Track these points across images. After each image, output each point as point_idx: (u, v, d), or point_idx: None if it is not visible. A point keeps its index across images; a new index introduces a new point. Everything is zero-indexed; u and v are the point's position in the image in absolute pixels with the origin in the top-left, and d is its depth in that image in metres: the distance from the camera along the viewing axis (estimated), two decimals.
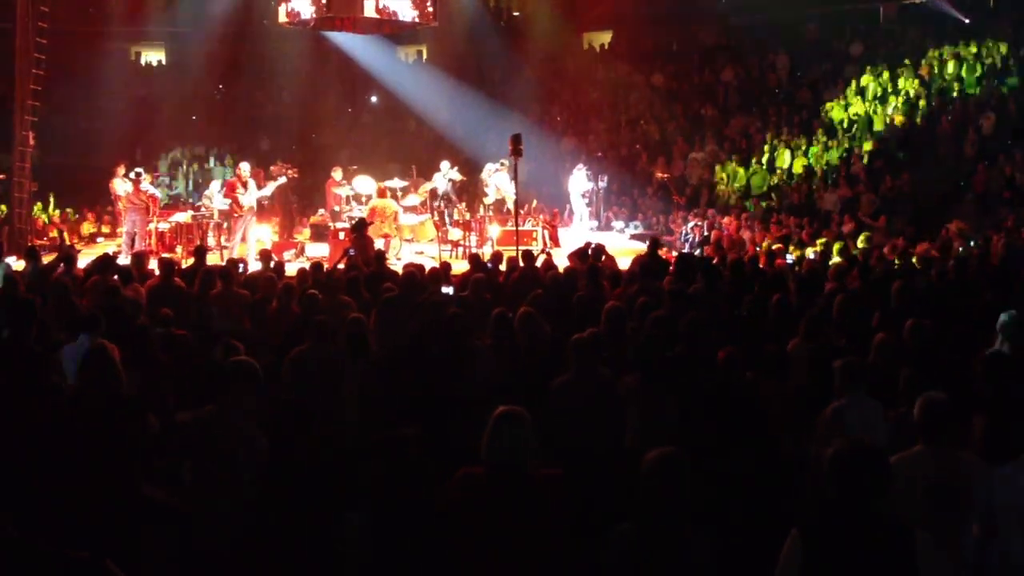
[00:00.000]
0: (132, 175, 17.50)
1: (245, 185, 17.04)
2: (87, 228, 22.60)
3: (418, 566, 4.36)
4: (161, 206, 18.01)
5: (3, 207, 20.44)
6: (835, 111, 23.72)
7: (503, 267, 12.39)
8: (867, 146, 21.76)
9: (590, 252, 12.12)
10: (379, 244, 15.32)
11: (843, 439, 3.92)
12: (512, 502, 4.13)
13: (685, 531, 3.85)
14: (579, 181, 22.03)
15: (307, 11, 18.78)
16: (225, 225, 17.92)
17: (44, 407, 5.78)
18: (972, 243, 14.90)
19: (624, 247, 18.59)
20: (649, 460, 3.92)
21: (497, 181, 19.73)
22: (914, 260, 12.63)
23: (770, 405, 6.29)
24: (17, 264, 13.98)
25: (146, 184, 17.38)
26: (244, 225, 17.00)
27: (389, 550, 4.42)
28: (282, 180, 18.32)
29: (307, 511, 4.83)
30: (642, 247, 17.68)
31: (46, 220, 21.75)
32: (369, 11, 18.24)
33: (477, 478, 4.24)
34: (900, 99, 22.59)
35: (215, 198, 18.27)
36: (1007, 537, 4.77)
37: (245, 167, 17.55)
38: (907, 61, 23.94)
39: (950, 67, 22.81)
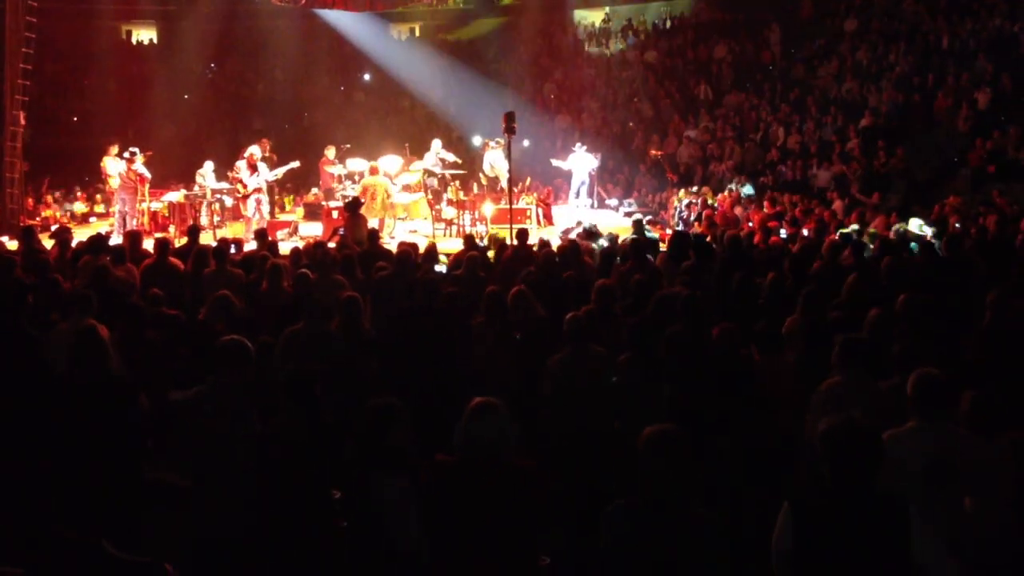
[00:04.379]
0: (127, 154, 17.52)
1: (254, 167, 17.04)
2: (79, 208, 22.52)
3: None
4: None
5: None
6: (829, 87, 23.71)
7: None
8: (861, 122, 21.72)
9: (582, 231, 12.11)
10: (373, 223, 15.29)
11: (835, 416, 3.92)
12: (485, 492, 4.11)
13: (686, 508, 3.85)
14: (584, 159, 21.84)
15: None
16: (217, 206, 17.92)
17: (35, 388, 5.77)
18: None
19: (619, 225, 18.56)
20: (647, 437, 3.90)
21: (491, 159, 19.66)
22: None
23: (767, 381, 6.30)
24: (11, 244, 13.96)
25: (138, 163, 17.36)
26: (256, 203, 17.07)
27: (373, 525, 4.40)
28: (294, 164, 18.32)
29: (302, 486, 4.83)
30: None
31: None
32: None
33: (449, 466, 4.22)
34: (894, 74, 22.54)
35: (208, 177, 18.22)
36: (999, 511, 4.79)
37: (256, 150, 17.59)
38: (902, 36, 23.87)
39: (944, 42, 22.74)
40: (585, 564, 4.09)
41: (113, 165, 17.93)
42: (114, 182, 17.85)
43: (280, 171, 18.07)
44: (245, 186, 16.94)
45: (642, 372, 6.47)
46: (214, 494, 5.17)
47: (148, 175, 17.64)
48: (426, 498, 4.24)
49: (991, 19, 22.41)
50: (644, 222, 13.15)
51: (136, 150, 17.60)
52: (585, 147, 22.12)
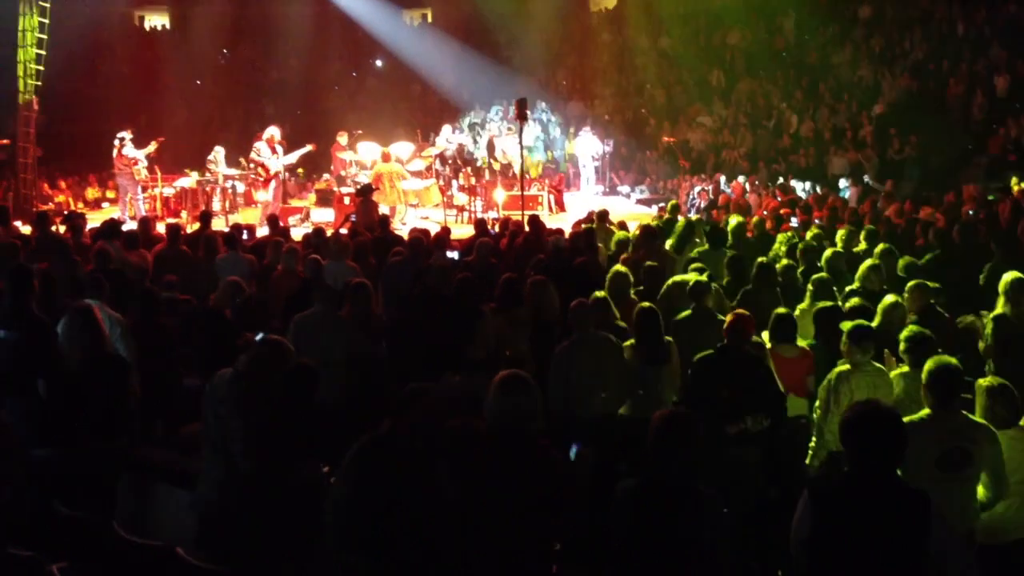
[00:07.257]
0: (116, 140, 17.28)
1: (274, 150, 17.04)
2: (92, 193, 22.58)
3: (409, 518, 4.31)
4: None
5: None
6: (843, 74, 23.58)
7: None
8: (875, 109, 21.60)
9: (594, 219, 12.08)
10: (385, 210, 15.29)
11: (860, 402, 3.88)
12: (513, 462, 4.06)
13: (693, 489, 3.86)
14: (588, 143, 21.86)
15: None
16: (230, 191, 17.94)
17: (44, 371, 5.80)
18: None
19: (631, 211, 18.53)
20: (657, 420, 3.92)
21: (503, 146, 19.64)
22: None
23: (779, 367, 6.29)
24: (24, 228, 14.00)
25: (128, 148, 17.15)
26: (276, 187, 17.07)
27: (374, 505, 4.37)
28: (308, 148, 18.22)
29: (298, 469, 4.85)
30: (648, 212, 17.68)
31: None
32: None
33: (480, 432, 4.20)
34: (909, 61, 22.40)
35: (219, 163, 18.22)
36: (1012, 499, 4.79)
37: (275, 131, 17.53)
38: (916, 23, 23.71)
39: (959, 29, 22.57)
40: (593, 548, 4.07)
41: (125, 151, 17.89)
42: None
43: (295, 155, 18.00)
44: (267, 169, 16.89)
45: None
46: (224, 479, 5.15)
47: (139, 158, 17.26)
48: (454, 460, 4.17)
49: (1006, 6, 22.22)
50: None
51: (124, 135, 17.26)
52: (589, 130, 22.10)
